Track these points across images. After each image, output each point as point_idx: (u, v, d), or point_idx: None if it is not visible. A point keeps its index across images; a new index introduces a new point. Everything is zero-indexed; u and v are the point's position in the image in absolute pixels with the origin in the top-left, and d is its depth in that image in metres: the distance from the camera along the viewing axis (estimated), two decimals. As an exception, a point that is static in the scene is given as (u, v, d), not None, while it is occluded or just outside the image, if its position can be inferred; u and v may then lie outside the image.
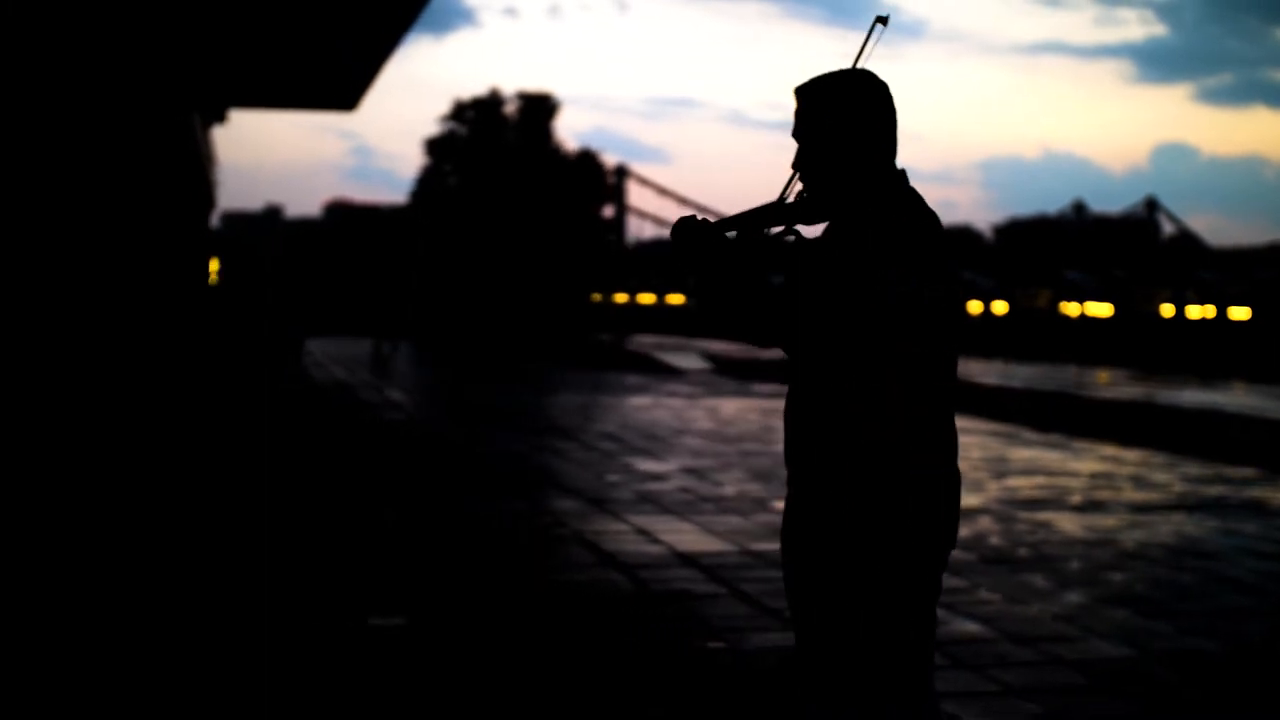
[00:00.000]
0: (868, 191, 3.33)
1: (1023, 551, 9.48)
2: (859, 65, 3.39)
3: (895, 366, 3.22)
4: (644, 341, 52.47)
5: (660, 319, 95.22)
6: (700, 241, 3.35)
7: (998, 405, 23.65)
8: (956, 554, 9.28)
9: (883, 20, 3.40)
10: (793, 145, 3.41)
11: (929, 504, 3.26)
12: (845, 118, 3.34)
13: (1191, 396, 28.84)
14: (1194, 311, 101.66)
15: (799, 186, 3.43)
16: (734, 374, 30.93)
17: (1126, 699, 6.03)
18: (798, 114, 3.42)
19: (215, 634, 6.45)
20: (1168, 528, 10.61)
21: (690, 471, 13.24)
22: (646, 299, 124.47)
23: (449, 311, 58.63)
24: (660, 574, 8.39)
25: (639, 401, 21.95)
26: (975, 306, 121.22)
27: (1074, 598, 8.04)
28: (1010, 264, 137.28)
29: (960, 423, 13.74)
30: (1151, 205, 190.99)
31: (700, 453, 14.84)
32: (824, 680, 3.31)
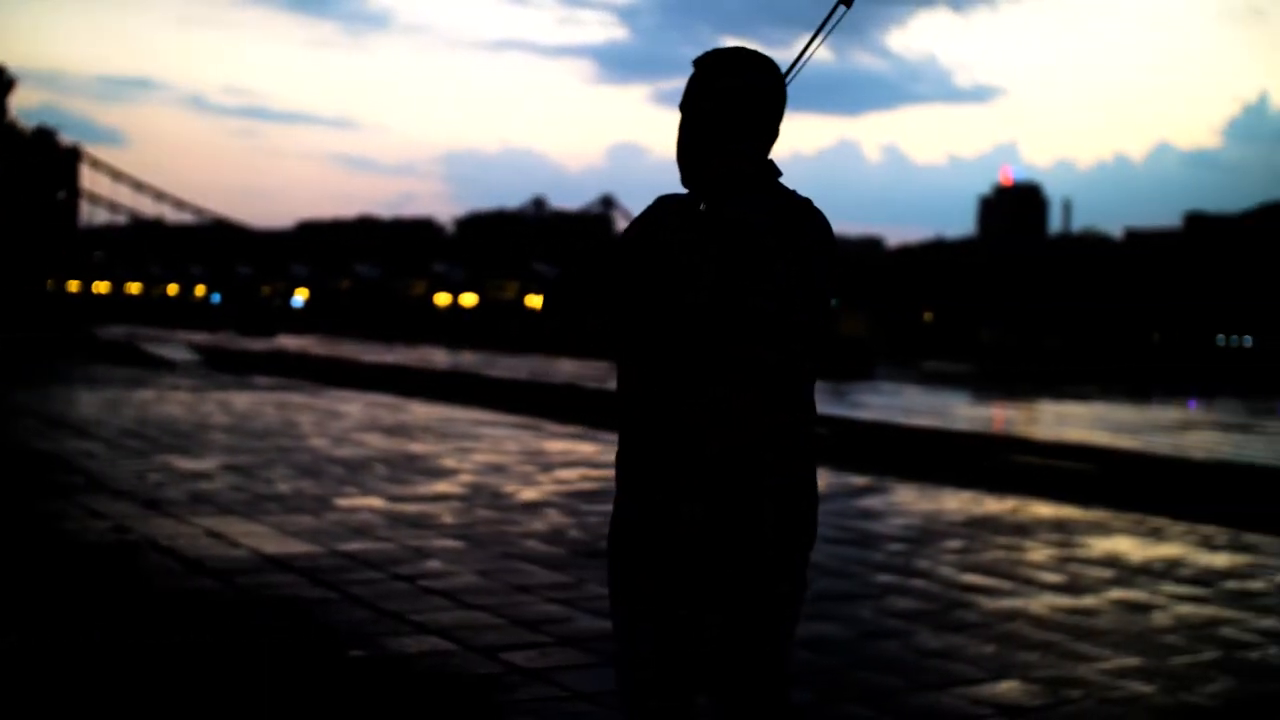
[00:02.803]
0: (767, 178, 3.20)
1: (606, 545, 9.50)
2: (817, 46, 3.24)
3: (747, 372, 3.10)
4: (116, 332, 50.04)
5: (119, 308, 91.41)
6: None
7: (513, 398, 23.95)
8: (547, 549, 9.26)
9: (846, 2, 3.23)
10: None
11: (788, 510, 3.17)
12: (770, 94, 3.20)
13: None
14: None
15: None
16: (225, 367, 29.96)
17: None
18: (700, 84, 3.22)
19: None
20: (729, 516, 10.91)
21: (234, 469, 12.65)
22: (101, 287, 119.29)
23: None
24: (257, 579, 7.92)
25: (144, 395, 20.85)
26: (444, 298, 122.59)
27: (681, 588, 8.12)
28: (477, 256, 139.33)
29: (479, 415, 13.94)
30: (608, 202, 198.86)
31: (235, 449, 14.21)
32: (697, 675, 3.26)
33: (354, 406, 20.47)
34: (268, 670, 5.99)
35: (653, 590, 3.23)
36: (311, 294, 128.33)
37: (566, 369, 39.22)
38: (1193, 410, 32.22)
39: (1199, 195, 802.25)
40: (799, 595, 3.26)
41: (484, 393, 24.81)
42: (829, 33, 3.26)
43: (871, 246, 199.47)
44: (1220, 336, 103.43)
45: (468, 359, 42.86)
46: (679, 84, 3.21)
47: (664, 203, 3.24)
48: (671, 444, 3.12)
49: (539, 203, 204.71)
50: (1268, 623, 7.75)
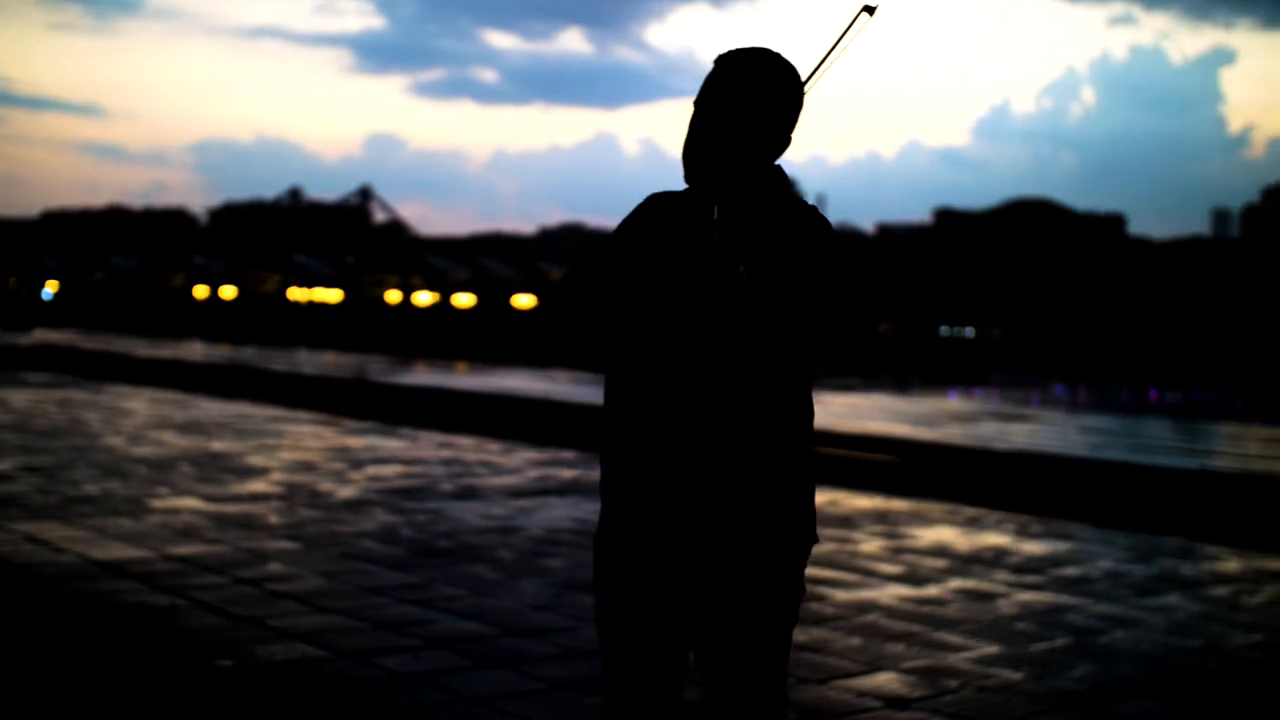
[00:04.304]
0: (769, 182, 3.16)
1: (444, 543, 9.41)
2: (839, 56, 3.17)
3: (745, 373, 3.09)
4: None
5: None
6: None
7: (302, 393, 23.50)
8: (385, 549, 9.11)
9: (869, 10, 3.15)
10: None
11: (789, 508, 3.18)
12: (790, 99, 3.15)
13: (482, 382, 29.88)
14: (421, 298, 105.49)
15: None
16: (-11, 362, 28.83)
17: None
18: (715, 83, 3.13)
19: None
20: (560, 511, 10.91)
21: (35, 471, 12.14)
22: None
23: None
24: (95, 587, 7.62)
25: (-88, 394, 19.91)
26: (203, 291, 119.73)
27: (533, 586, 8.07)
28: (235, 248, 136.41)
29: (272, 411, 13.73)
30: (365, 193, 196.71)
31: (29, 450, 13.64)
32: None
33: (139, 403, 19.84)
34: (143, 685, 5.77)
35: (655, 597, 3.18)
36: (63, 286, 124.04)
37: (347, 363, 38.63)
38: (954, 401, 33.19)
39: (948, 192, 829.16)
40: (799, 592, 3.25)
41: (271, 388, 24.27)
42: (852, 39, 3.16)
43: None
44: (944, 327, 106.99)
45: (240, 353, 41.85)
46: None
47: (655, 200, 3.21)
48: (675, 447, 3.07)
49: (295, 193, 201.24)
50: (1105, 608, 8.04)
